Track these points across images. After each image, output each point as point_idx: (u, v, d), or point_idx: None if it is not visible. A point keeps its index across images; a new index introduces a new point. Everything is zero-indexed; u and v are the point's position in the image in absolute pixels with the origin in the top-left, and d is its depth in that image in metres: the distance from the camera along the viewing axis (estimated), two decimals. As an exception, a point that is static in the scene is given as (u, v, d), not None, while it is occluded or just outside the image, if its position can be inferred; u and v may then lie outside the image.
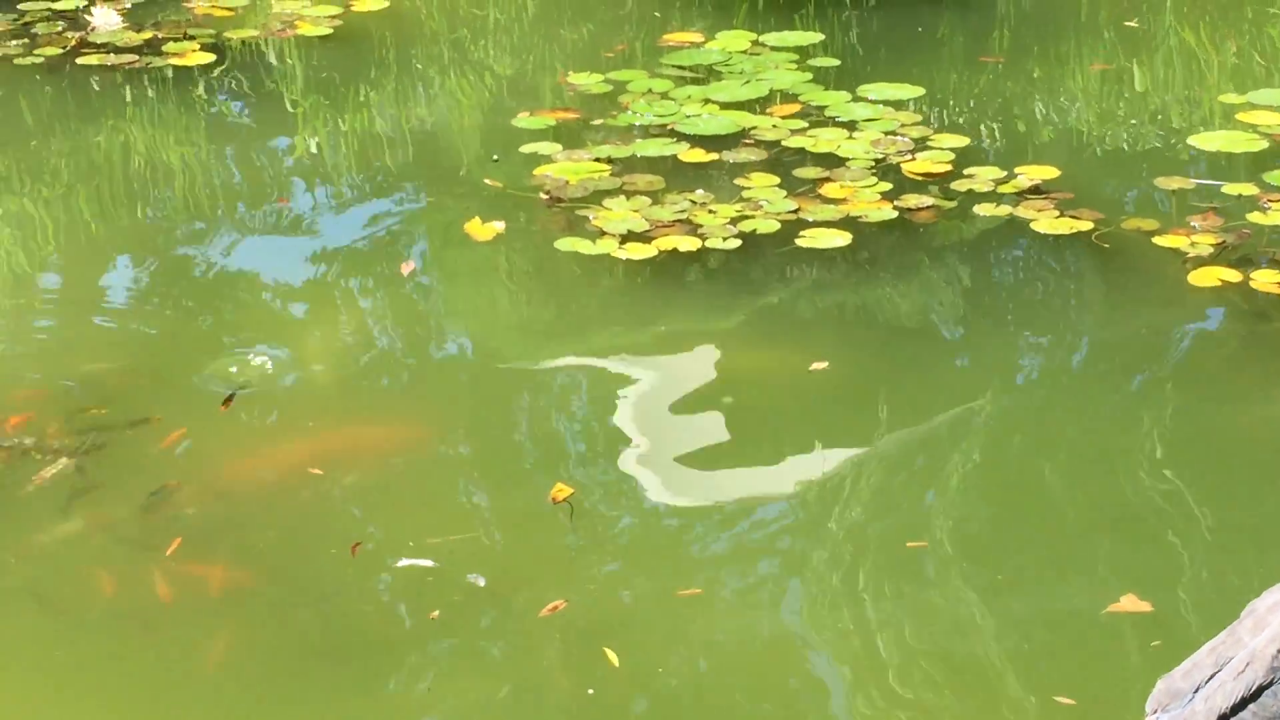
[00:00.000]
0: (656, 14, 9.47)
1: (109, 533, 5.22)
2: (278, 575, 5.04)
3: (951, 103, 8.23)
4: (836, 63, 8.58)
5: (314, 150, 8.02)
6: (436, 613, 4.86)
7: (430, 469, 5.57)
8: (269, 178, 7.82)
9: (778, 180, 7.26)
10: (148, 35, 9.10)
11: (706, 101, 8.09)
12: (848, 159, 7.44)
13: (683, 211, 7.01)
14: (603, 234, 6.85)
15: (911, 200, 7.09)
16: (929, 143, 7.61)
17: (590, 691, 4.58)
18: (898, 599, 4.92)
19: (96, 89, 8.51)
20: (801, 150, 7.56)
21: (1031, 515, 5.29)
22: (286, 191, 7.65)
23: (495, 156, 7.74)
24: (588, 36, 9.33)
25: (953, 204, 7.09)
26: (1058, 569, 5.03)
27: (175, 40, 9.05)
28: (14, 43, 8.98)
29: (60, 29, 9.18)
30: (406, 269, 6.88)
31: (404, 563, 5.04)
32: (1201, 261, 6.58)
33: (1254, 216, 6.88)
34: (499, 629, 4.82)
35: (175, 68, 8.75)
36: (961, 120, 7.99)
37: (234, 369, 6.06)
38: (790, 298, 6.56)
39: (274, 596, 4.96)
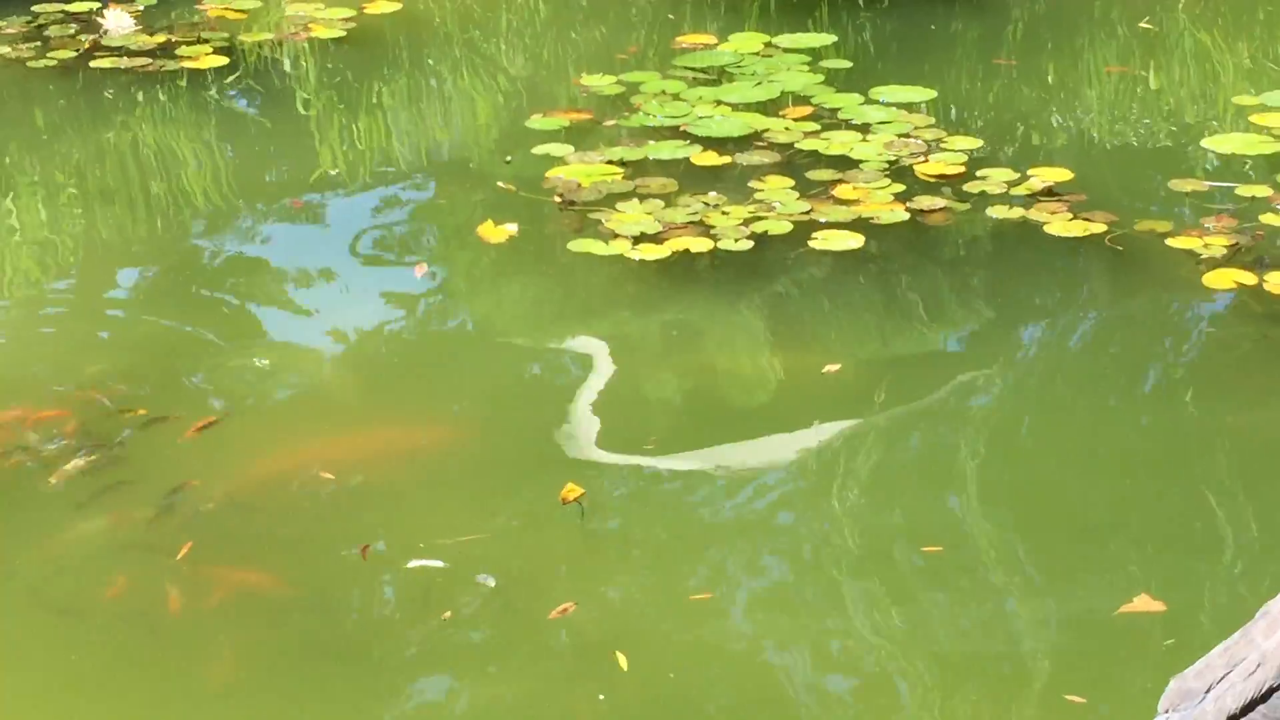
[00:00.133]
0: (670, 16, 9.46)
1: (123, 533, 5.22)
2: (289, 576, 5.03)
3: (964, 104, 8.22)
4: (849, 64, 8.58)
5: (327, 153, 8.02)
6: (449, 614, 4.85)
7: (442, 469, 5.56)
8: (282, 180, 7.83)
9: (791, 182, 7.25)
10: (161, 39, 9.11)
11: (718, 103, 8.08)
12: (860, 161, 7.43)
13: (695, 213, 7.01)
14: (615, 236, 6.85)
15: (924, 202, 7.08)
16: (942, 144, 7.60)
17: (601, 697, 4.58)
18: (912, 602, 4.91)
19: (109, 96, 8.52)
20: (814, 152, 7.55)
21: (1045, 515, 5.28)
22: (299, 193, 7.65)
23: (508, 158, 7.74)
24: (600, 38, 9.33)
25: (966, 206, 7.08)
26: (1072, 569, 5.02)
27: (188, 43, 9.06)
28: (26, 45, 8.99)
29: (73, 32, 9.19)
30: (420, 271, 6.89)
31: (414, 563, 5.04)
32: (1215, 264, 6.56)
33: (1267, 218, 6.87)
34: (509, 631, 4.81)
35: (189, 71, 8.76)
36: (974, 122, 7.98)
37: (261, 361, 6.10)
38: (804, 300, 6.55)
39: (285, 597, 4.96)
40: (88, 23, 9.29)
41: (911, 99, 8.08)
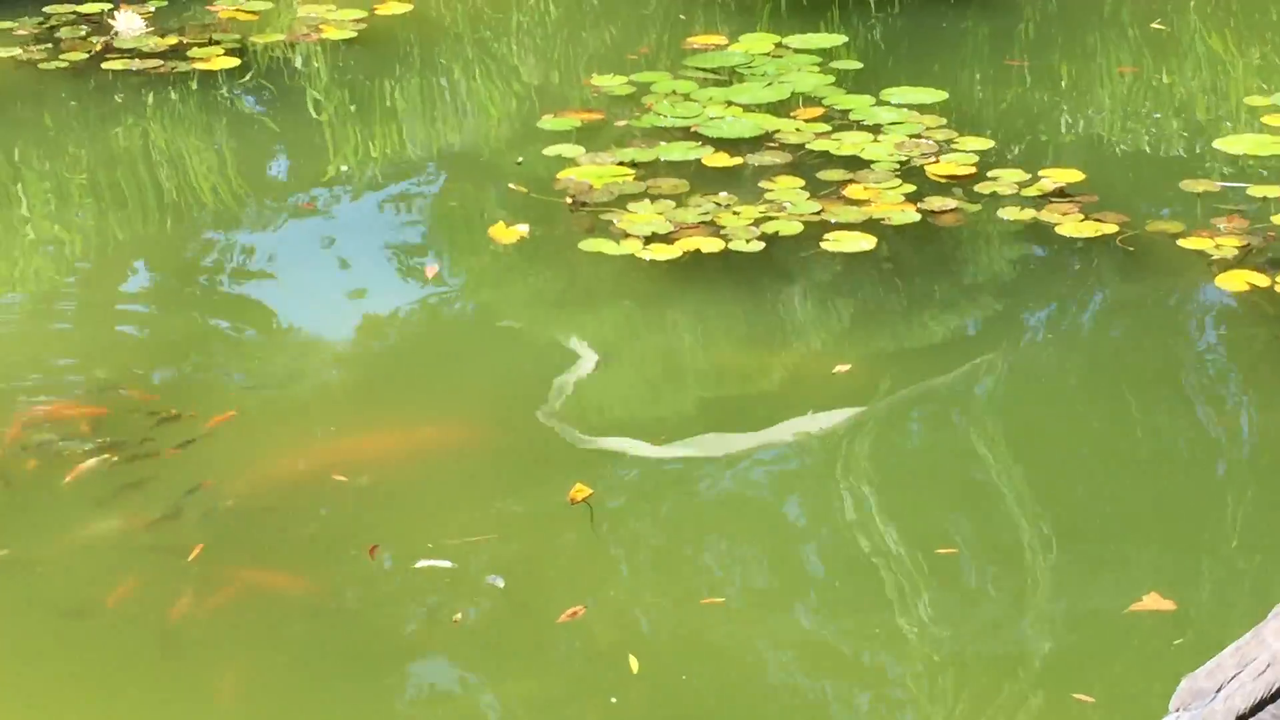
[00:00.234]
0: (681, 16, 9.47)
1: (137, 533, 5.23)
2: (299, 577, 5.04)
3: (976, 105, 8.22)
4: (859, 65, 8.58)
5: (338, 153, 8.03)
6: (459, 616, 4.85)
7: (452, 469, 5.56)
8: (294, 181, 7.84)
9: (801, 183, 7.25)
10: (172, 40, 9.13)
11: (729, 104, 8.08)
12: (872, 161, 7.43)
13: (706, 214, 7.01)
14: (626, 236, 6.85)
15: (935, 203, 7.08)
16: (953, 145, 7.60)
17: (612, 700, 4.58)
18: (924, 603, 4.91)
19: (120, 100, 8.53)
20: (825, 153, 7.55)
21: (1056, 515, 5.27)
22: (310, 194, 7.66)
23: (519, 159, 7.74)
24: (611, 39, 9.34)
25: (977, 207, 7.08)
26: (1082, 568, 5.02)
27: (200, 45, 9.07)
28: (38, 47, 9.00)
29: (85, 33, 9.20)
30: (431, 272, 6.89)
31: (422, 564, 5.04)
32: (1227, 265, 6.56)
33: (1279, 219, 6.86)
34: (519, 633, 4.81)
35: (200, 72, 8.77)
36: (986, 123, 7.98)
37: (273, 361, 6.11)
38: (815, 300, 6.55)
39: (295, 598, 4.96)
40: (99, 24, 9.30)
41: (923, 100, 8.08)
